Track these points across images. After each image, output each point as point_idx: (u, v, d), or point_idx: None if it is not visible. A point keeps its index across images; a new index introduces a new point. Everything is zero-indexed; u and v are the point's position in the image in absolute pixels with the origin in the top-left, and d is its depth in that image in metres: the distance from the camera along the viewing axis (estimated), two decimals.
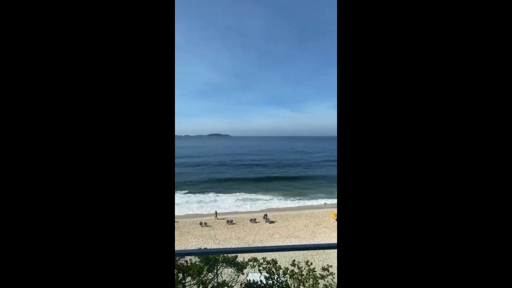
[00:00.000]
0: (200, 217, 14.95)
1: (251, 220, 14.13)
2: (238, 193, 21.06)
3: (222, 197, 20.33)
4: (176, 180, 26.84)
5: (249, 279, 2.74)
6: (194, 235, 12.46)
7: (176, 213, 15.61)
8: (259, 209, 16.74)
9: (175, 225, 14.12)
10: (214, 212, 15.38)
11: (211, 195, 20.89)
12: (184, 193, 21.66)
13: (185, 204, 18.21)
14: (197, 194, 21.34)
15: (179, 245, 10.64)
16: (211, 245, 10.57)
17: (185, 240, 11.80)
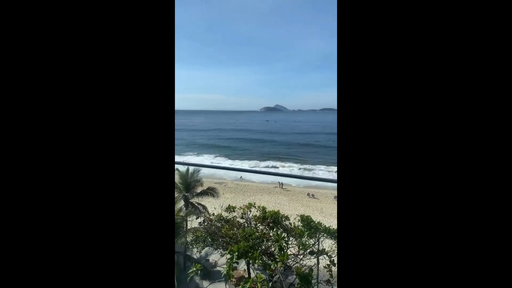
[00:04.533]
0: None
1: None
2: None
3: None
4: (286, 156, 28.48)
5: None
6: (302, 204, 13.18)
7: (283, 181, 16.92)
8: None
9: (287, 192, 15.45)
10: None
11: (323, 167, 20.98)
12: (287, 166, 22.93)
13: (289, 173, 19.37)
14: (305, 165, 22.03)
15: (287, 210, 11.61)
16: (316, 215, 10.80)
17: (293, 206, 12.71)
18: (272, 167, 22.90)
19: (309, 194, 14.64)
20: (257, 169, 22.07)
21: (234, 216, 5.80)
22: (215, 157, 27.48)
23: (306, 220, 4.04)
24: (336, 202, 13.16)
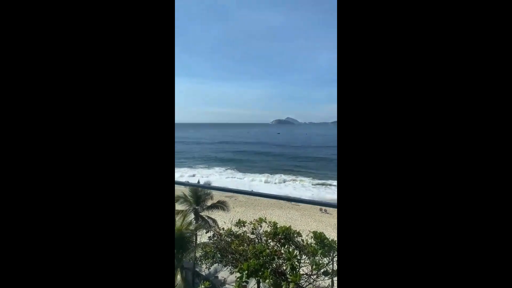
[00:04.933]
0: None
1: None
2: None
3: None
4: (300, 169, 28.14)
5: None
6: (314, 219, 12.76)
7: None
8: None
9: (298, 206, 15.07)
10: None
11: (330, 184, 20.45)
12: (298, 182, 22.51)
13: (301, 188, 19.00)
14: (317, 180, 21.56)
15: (299, 225, 11.25)
16: (330, 231, 10.37)
17: (305, 222, 12.32)
18: (284, 181, 22.54)
19: (321, 209, 14.18)
20: (264, 184, 21.83)
21: (244, 231, 5.65)
22: (226, 169, 27.51)
23: (319, 237, 3.83)
24: None
